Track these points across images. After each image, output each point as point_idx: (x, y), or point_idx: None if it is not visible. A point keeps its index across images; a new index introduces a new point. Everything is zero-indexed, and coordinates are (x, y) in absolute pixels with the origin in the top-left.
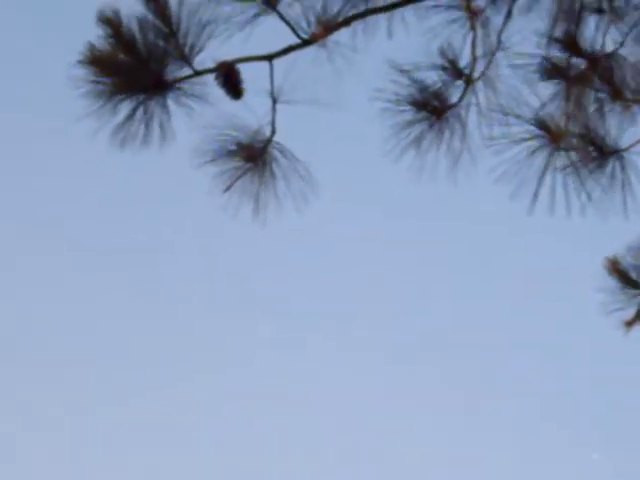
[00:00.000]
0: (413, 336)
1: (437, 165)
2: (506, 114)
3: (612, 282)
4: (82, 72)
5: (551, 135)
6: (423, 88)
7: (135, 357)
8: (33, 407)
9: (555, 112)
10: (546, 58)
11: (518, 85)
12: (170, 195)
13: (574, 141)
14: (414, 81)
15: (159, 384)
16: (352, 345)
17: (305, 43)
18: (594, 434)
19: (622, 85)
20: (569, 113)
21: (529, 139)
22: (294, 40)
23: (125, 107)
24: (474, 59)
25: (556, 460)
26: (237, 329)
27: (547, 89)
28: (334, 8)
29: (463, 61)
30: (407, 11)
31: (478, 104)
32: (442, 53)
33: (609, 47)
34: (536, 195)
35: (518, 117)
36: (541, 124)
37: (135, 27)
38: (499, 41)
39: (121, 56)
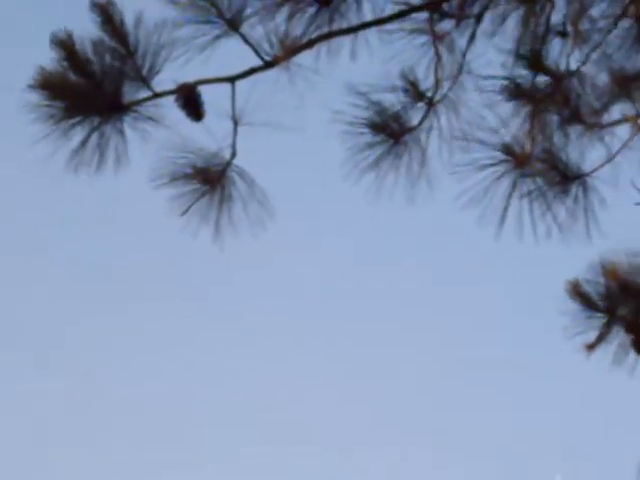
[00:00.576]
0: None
1: (396, 188)
2: (469, 140)
3: (574, 305)
4: (34, 96)
5: (516, 160)
6: (382, 111)
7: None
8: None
9: (519, 134)
10: (510, 78)
11: (482, 108)
12: (126, 219)
13: (538, 166)
14: (372, 103)
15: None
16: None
17: (267, 65)
18: (557, 455)
19: (584, 107)
20: (533, 135)
21: (493, 164)
22: (256, 62)
23: (80, 130)
24: (437, 82)
25: None
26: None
27: (511, 111)
28: (298, 30)
29: (427, 84)
30: (371, 34)
31: (440, 127)
32: (403, 76)
33: (573, 67)
34: (502, 220)
35: (481, 142)
36: (506, 149)
37: (89, 49)
38: (463, 63)
39: (75, 78)
